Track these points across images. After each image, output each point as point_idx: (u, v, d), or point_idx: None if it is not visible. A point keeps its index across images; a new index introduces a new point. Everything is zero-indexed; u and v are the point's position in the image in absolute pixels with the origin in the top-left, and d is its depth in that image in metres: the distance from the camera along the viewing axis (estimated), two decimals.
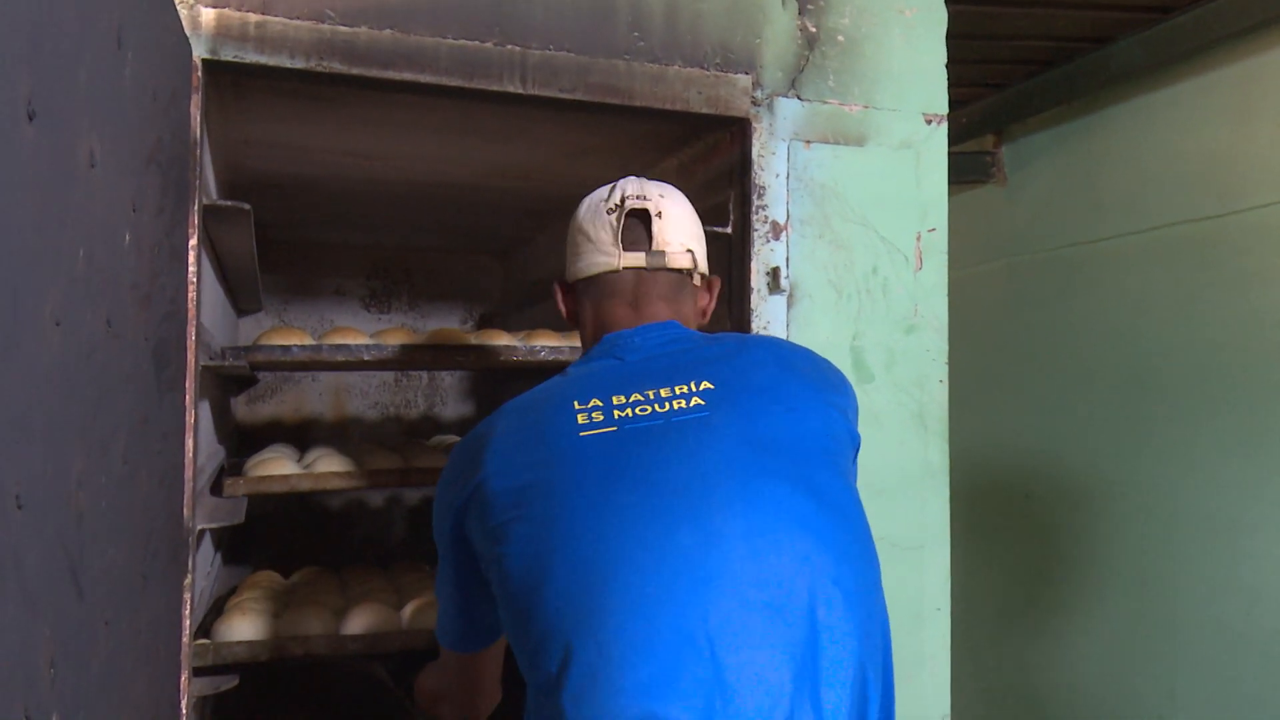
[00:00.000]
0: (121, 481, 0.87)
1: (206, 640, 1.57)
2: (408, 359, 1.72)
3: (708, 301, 1.27)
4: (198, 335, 1.28)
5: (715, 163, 1.75)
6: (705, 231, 1.68)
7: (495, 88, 1.47)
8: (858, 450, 1.17)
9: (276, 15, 1.37)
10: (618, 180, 1.25)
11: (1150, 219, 2.99)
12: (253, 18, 1.35)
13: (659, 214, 1.20)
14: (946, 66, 1.82)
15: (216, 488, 1.66)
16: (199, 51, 1.31)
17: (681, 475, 1.03)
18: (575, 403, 1.10)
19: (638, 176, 1.26)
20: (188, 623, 1.27)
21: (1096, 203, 3.21)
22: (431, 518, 1.18)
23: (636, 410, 1.08)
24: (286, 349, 1.59)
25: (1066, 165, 3.36)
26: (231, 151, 1.90)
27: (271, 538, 2.81)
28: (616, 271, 1.19)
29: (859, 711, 0.98)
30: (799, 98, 1.68)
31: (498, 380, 3.07)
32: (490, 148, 1.92)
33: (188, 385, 1.24)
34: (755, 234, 1.64)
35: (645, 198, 1.21)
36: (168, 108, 1.13)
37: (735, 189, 1.67)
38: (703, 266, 1.25)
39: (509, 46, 1.49)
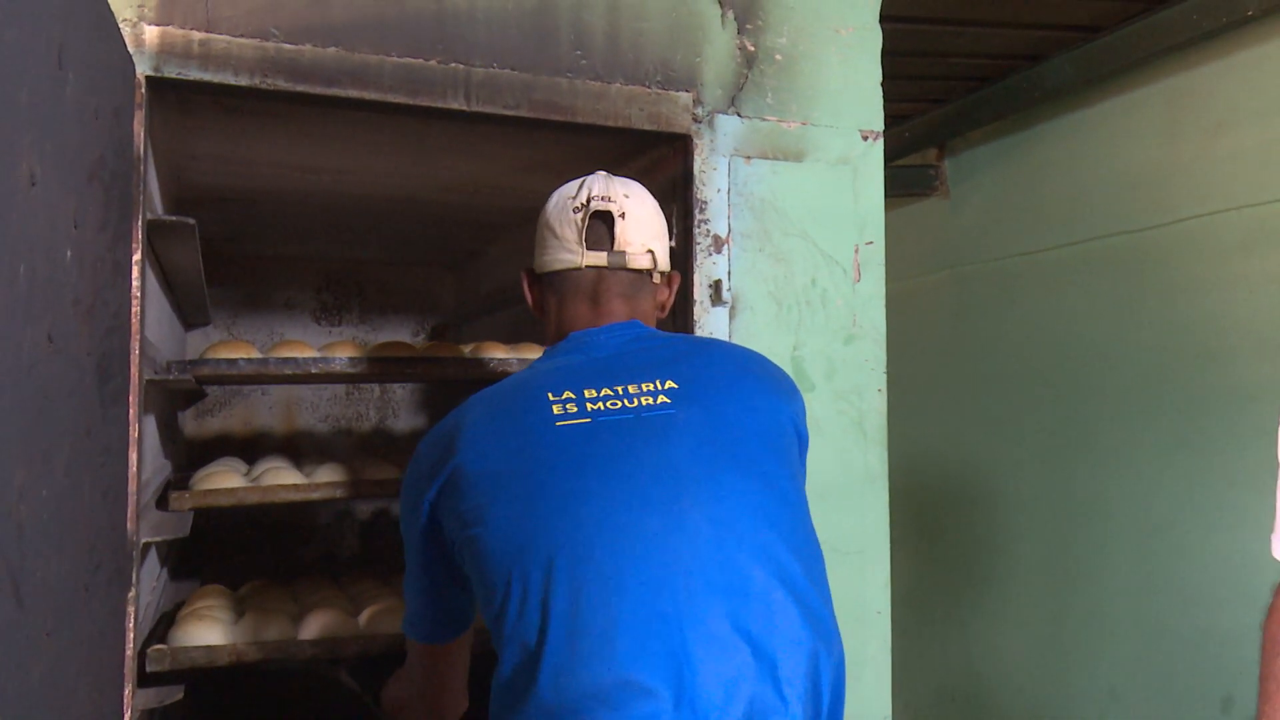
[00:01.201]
0: (63, 494, 0.88)
1: (162, 646, 1.55)
2: (356, 372, 1.73)
3: (667, 296, 1.34)
4: (142, 349, 1.29)
5: (658, 178, 1.79)
6: None
7: (439, 104, 1.50)
8: (805, 451, 1.25)
9: (220, 33, 1.38)
10: (587, 176, 1.30)
11: (1086, 230, 3.09)
12: (196, 35, 1.36)
13: (622, 215, 1.26)
14: (885, 83, 1.89)
15: (162, 502, 1.66)
16: (142, 69, 1.32)
17: (651, 466, 1.10)
18: (549, 394, 1.15)
19: (606, 173, 1.31)
20: (131, 635, 1.27)
21: (1035, 215, 3.31)
22: (396, 521, 1.22)
23: (608, 404, 1.15)
24: (233, 363, 1.60)
25: (1006, 178, 3.46)
26: (179, 166, 1.90)
27: (220, 553, 2.79)
28: (579, 269, 1.26)
29: (812, 685, 1.07)
30: (739, 115, 1.73)
31: (450, 392, 3.08)
32: (437, 162, 1.94)
33: (132, 399, 1.25)
34: (697, 247, 1.69)
35: (610, 199, 1.26)
36: (111, 125, 1.14)
37: (678, 203, 1.72)
38: (663, 264, 1.31)
39: (453, 64, 1.52)
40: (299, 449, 3.06)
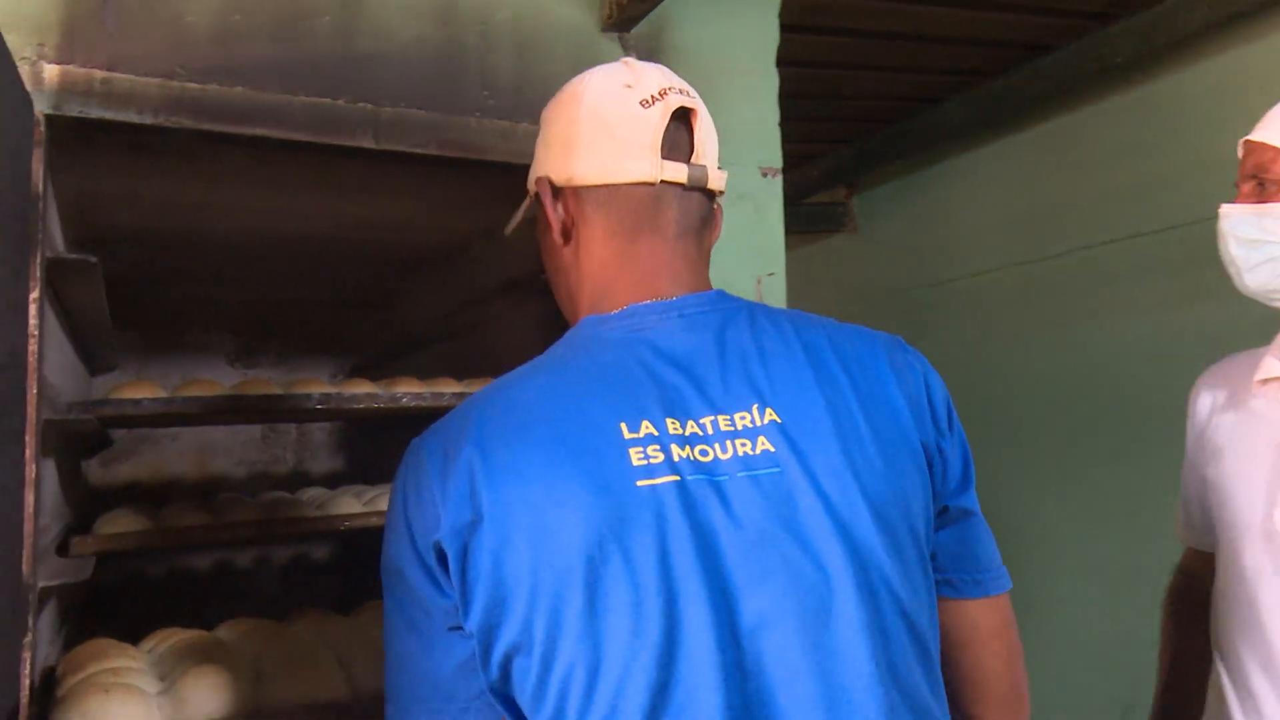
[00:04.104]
0: None
1: None
2: (267, 409, 1.72)
3: (716, 231, 0.98)
4: (40, 389, 1.27)
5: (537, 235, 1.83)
6: None
7: (348, 143, 1.52)
8: (949, 471, 0.92)
9: (124, 72, 1.39)
10: (617, 63, 0.96)
11: (984, 263, 3.24)
12: (98, 74, 1.37)
13: (699, 114, 0.93)
14: (794, 124, 1.98)
15: (63, 548, 1.62)
16: (41, 107, 1.32)
17: (767, 592, 0.78)
18: (624, 424, 0.80)
19: (636, 60, 0.98)
20: (27, 682, 1.24)
21: (937, 248, 3.46)
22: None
23: (696, 451, 0.81)
24: (138, 402, 1.58)
25: (910, 214, 3.61)
26: (84, 207, 1.88)
27: (129, 605, 2.71)
28: (652, 185, 0.89)
29: None
30: None
31: (368, 433, 3.06)
32: (351, 201, 1.96)
33: (28, 439, 1.23)
34: None
35: (687, 93, 0.92)
36: (8, 163, 1.14)
37: None
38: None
39: (361, 104, 1.55)
40: (213, 495, 3.00)
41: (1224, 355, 1.46)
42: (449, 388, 1.85)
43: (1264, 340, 1.36)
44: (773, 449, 0.82)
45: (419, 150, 1.58)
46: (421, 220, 2.13)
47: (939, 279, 3.42)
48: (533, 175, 0.98)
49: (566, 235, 0.94)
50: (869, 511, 0.81)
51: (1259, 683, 1.26)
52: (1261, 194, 1.27)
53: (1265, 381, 1.32)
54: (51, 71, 1.33)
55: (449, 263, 2.47)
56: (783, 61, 2.00)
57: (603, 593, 0.76)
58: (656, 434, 0.80)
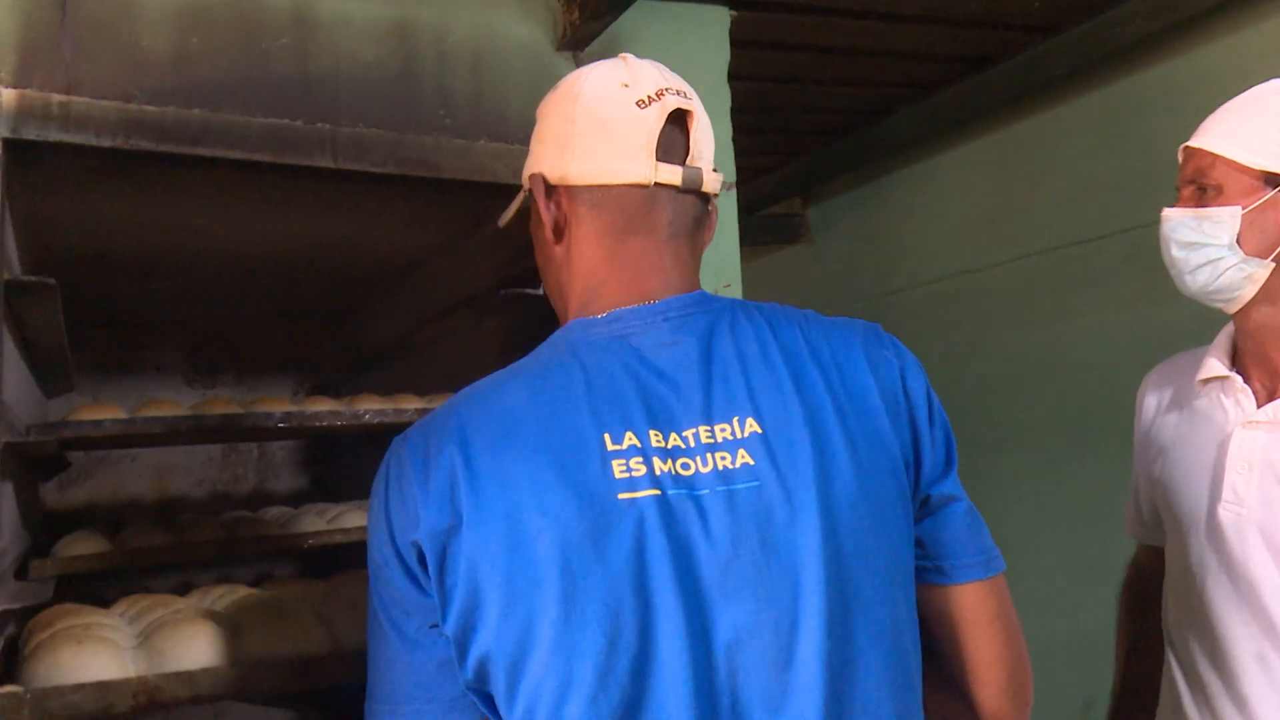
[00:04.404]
0: None
1: (16, 689, 1.10)
2: (229, 428, 1.73)
3: (710, 231, 0.99)
4: (0, 413, 1.28)
5: (527, 228, 1.87)
6: (517, 295, 1.79)
7: (306, 163, 1.54)
8: (926, 467, 0.93)
9: (82, 95, 1.40)
10: (618, 58, 0.95)
11: (936, 271, 3.32)
12: (56, 98, 1.38)
13: (695, 116, 0.92)
14: (748, 137, 2.03)
15: (21, 571, 1.61)
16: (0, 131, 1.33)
17: (741, 609, 0.79)
18: (607, 435, 0.81)
19: (635, 57, 0.96)
20: None
21: (891, 257, 3.54)
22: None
23: (678, 464, 0.82)
24: (98, 423, 1.58)
25: (864, 225, 3.69)
26: (41, 229, 1.87)
27: None
28: (645, 187, 0.89)
29: None
30: None
31: (331, 450, 3.05)
32: (309, 220, 1.98)
33: None
34: None
35: (684, 94, 0.92)
36: None
37: None
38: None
39: (319, 124, 1.57)
40: (173, 517, 2.97)
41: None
42: (411, 404, 1.87)
43: (1211, 340, 1.41)
44: (752, 462, 0.82)
45: (377, 169, 1.61)
46: (380, 237, 2.15)
47: (896, 287, 3.49)
48: (527, 169, 0.97)
49: (559, 233, 0.94)
50: (845, 528, 0.82)
51: (1207, 672, 1.31)
52: (1201, 198, 1.32)
53: (1206, 381, 1.37)
54: (9, 95, 1.34)
55: (408, 279, 2.49)
56: (734, 76, 2.06)
57: (578, 606, 0.77)
58: (640, 446, 0.81)
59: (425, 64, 1.69)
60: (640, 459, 0.80)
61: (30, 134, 1.35)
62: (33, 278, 1.38)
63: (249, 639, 1.28)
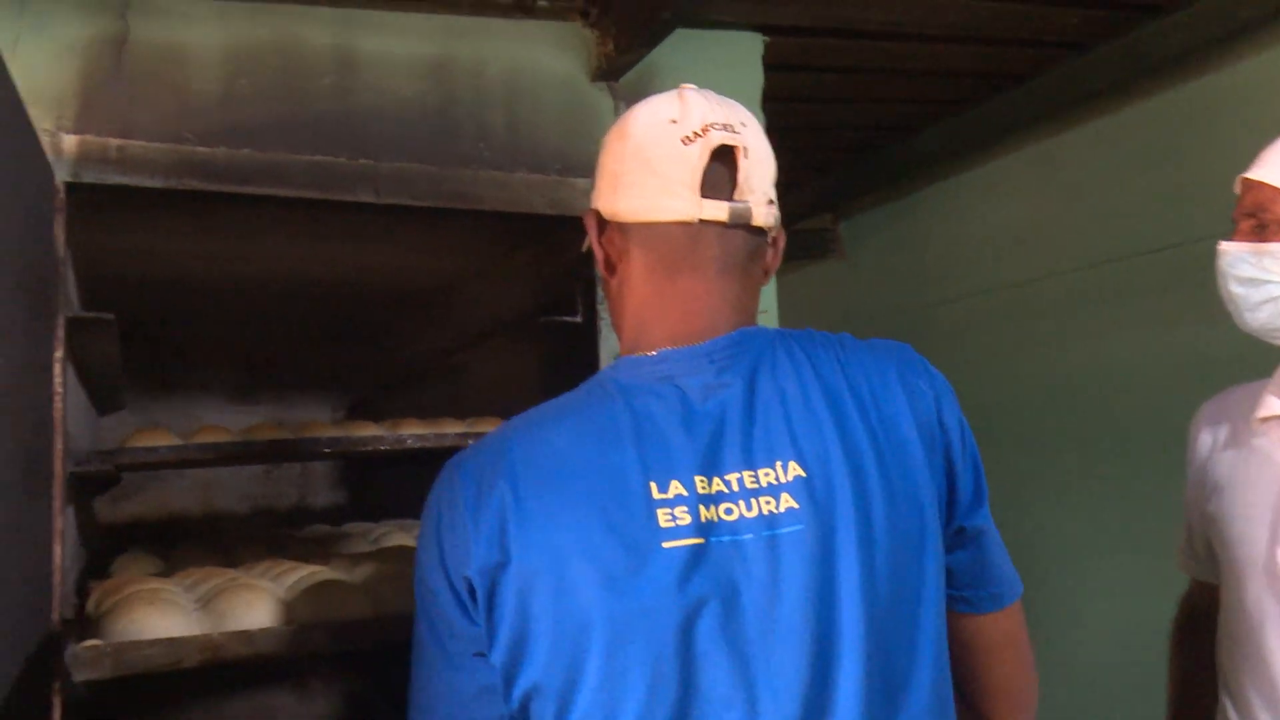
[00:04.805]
0: None
1: (98, 642, 1.21)
2: (278, 453, 1.78)
3: (774, 260, 0.99)
4: (65, 444, 1.33)
5: (563, 257, 1.91)
6: (555, 323, 1.82)
7: (350, 198, 1.59)
8: (959, 511, 0.96)
9: (136, 139, 1.46)
10: (675, 92, 0.95)
11: (969, 287, 3.31)
12: (113, 142, 1.44)
13: (745, 150, 0.92)
14: (777, 154, 2.04)
15: (77, 624, 1.42)
16: (61, 175, 1.39)
17: (786, 653, 0.81)
18: (653, 483, 0.83)
19: (697, 89, 0.96)
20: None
21: (925, 272, 3.53)
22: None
23: (721, 510, 0.83)
24: (154, 450, 1.64)
25: (897, 239, 3.68)
26: (93, 258, 1.94)
27: None
28: (690, 224, 0.90)
29: None
30: None
31: (369, 468, 3.11)
32: (350, 248, 2.03)
33: (55, 493, 1.29)
34: (602, 322, 1.79)
35: (731, 127, 0.92)
36: (32, 233, 1.20)
37: (581, 281, 1.83)
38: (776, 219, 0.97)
39: (361, 160, 1.62)
40: (217, 530, 3.05)
41: (1223, 375, 1.46)
42: (452, 428, 1.91)
43: (1264, 361, 1.36)
44: (796, 506, 0.83)
45: (418, 203, 1.65)
46: (418, 262, 2.20)
47: (931, 301, 3.48)
48: (591, 203, 1.00)
49: (611, 268, 0.96)
50: (882, 570, 0.84)
51: (1264, 718, 1.26)
52: (1261, 234, 1.27)
53: (1266, 419, 1.31)
54: (70, 141, 1.40)
55: (444, 301, 2.54)
56: (765, 97, 2.08)
57: (622, 649, 0.79)
58: (685, 494, 0.83)
59: (463, 98, 1.74)
60: (685, 507, 0.82)
61: (89, 177, 1.41)
62: (93, 314, 1.44)
63: (300, 604, 1.37)
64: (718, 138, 0.90)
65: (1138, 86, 2.64)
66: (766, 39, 2.10)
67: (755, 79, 2.09)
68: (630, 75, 1.88)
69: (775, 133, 2.07)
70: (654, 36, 1.76)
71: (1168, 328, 2.60)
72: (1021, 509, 3.05)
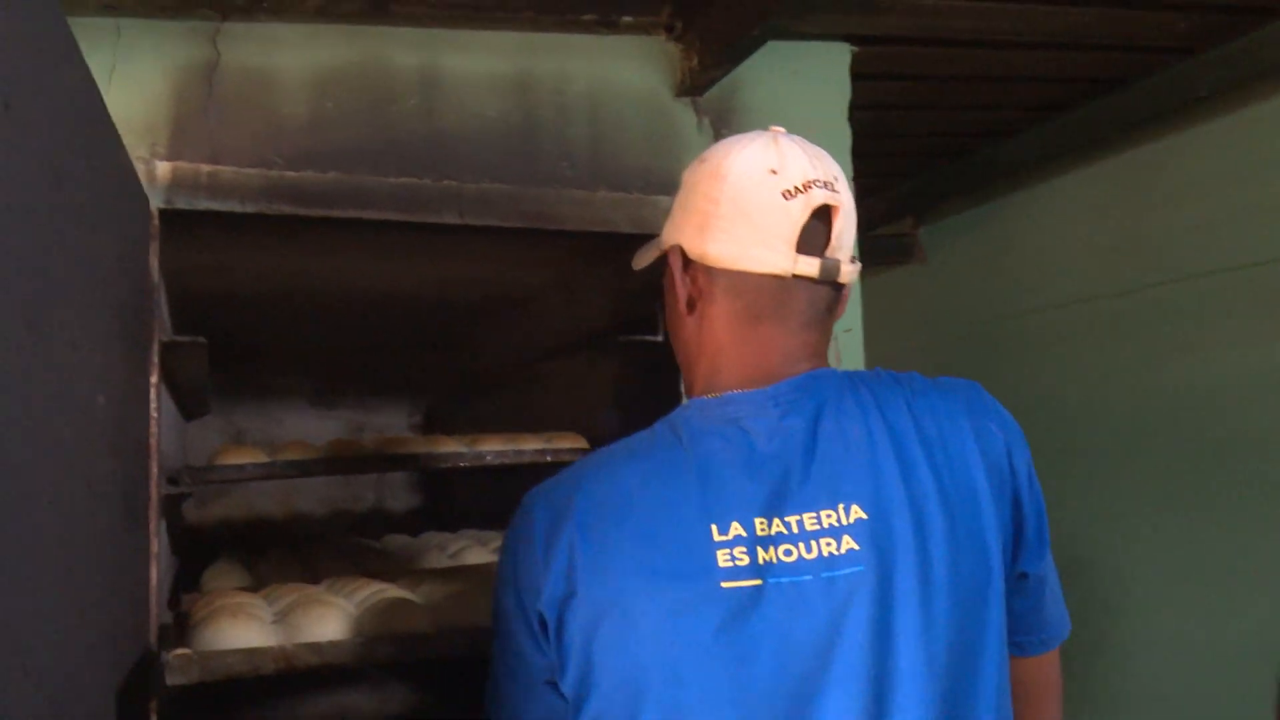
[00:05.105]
0: (86, 609, 0.94)
1: (186, 651, 1.32)
2: (359, 469, 1.80)
3: (843, 308, 0.99)
4: (159, 466, 1.36)
5: (644, 275, 1.88)
6: (635, 342, 1.80)
7: (435, 220, 1.59)
8: (1025, 558, 0.96)
9: (227, 164, 1.47)
10: (768, 136, 0.94)
11: (1058, 296, 3.20)
12: (205, 168, 1.45)
13: (840, 209, 0.92)
14: (858, 159, 1.99)
15: (173, 630, 1.52)
16: (156, 202, 1.41)
17: (844, 694, 0.81)
18: (714, 527, 0.84)
19: (787, 134, 0.95)
20: None
21: (1009, 280, 3.42)
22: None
23: (780, 551, 0.84)
24: (242, 468, 1.67)
25: (980, 246, 3.58)
26: (181, 277, 1.98)
27: None
28: (783, 278, 0.90)
29: None
30: None
31: (445, 476, 3.14)
32: (431, 264, 2.04)
33: (151, 515, 1.31)
34: None
35: (831, 186, 0.91)
36: (130, 262, 1.22)
37: (661, 300, 1.80)
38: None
39: (446, 181, 1.61)
40: (297, 532, 3.11)
41: None
42: (530, 444, 1.90)
43: None
44: (857, 547, 0.83)
45: (501, 223, 1.64)
46: (498, 276, 2.20)
47: (1014, 311, 3.37)
48: (668, 233, 0.99)
49: (691, 306, 0.96)
50: (942, 614, 0.84)
51: None
52: None
53: None
54: (163, 168, 1.42)
55: (521, 312, 2.54)
56: (851, 106, 2.02)
57: (680, 686, 0.81)
58: (745, 535, 0.84)
59: (546, 116, 1.72)
60: (744, 549, 0.83)
61: (181, 203, 1.43)
62: (186, 339, 1.46)
63: (367, 619, 1.46)
64: (820, 197, 0.90)
65: (1245, 93, 2.51)
66: (854, 49, 2.04)
67: (843, 91, 2.03)
68: (714, 90, 1.84)
69: (856, 139, 2.03)
70: (741, 52, 1.72)
71: (1270, 346, 2.47)
72: (1110, 523, 2.94)
